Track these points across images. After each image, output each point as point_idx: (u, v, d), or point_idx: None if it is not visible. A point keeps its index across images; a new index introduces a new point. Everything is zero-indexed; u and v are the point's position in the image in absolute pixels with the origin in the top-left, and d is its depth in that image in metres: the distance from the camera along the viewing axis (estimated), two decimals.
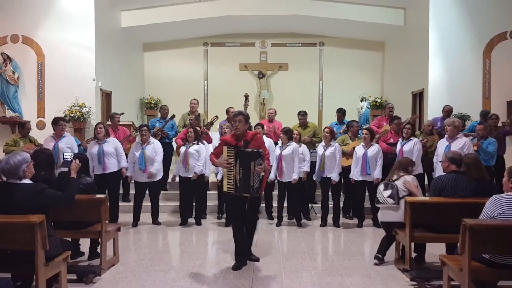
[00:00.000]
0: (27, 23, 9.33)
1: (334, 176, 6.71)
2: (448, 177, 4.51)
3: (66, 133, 6.95)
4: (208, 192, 7.89)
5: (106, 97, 10.20)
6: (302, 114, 8.03)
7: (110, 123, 7.97)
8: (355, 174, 6.77)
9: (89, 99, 9.27)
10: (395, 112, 8.44)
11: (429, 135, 7.34)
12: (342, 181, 7.22)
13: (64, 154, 4.23)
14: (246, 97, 8.46)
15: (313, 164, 7.02)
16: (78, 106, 9.11)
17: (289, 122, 8.32)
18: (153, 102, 11.73)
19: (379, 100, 11.65)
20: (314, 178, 6.95)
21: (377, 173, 6.60)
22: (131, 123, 9.23)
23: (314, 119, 11.62)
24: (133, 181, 7.11)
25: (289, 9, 10.80)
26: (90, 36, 9.35)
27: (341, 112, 8.41)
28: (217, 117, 8.17)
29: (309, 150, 7.12)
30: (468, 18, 9.32)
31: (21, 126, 7.51)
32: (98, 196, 4.69)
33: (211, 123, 8.11)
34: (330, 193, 6.89)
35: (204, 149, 6.97)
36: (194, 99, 8.55)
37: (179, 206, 7.03)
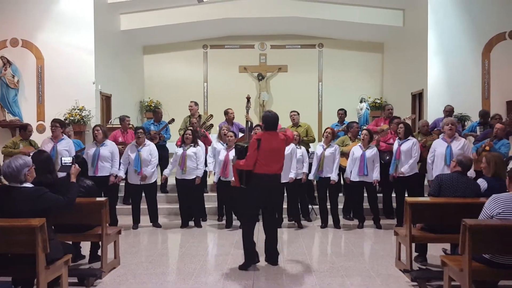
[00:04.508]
0: (26, 27, 9.34)
1: (334, 176, 6.70)
2: (449, 176, 4.58)
3: (64, 136, 6.92)
4: (207, 194, 7.90)
5: (106, 100, 10.21)
6: (296, 114, 8.08)
7: (119, 125, 8.02)
8: (352, 175, 6.73)
9: (89, 102, 9.27)
10: (395, 113, 8.44)
11: (425, 135, 7.20)
12: (342, 182, 7.26)
13: (63, 158, 4.20)
14: (248, 99, 8.43)
15: (310, 165, 7.01)
16: (78, 109, 9.12)
17: (288, 124, 8.32)
18: (153, 105, 11.73)
19: (378, 101, 11.66)
20: (311, 178, 6.85)
21: (376, 174, 6.62)
22: (131, 126, 9.23)
23: (314, 120, 11.65)
24: (122, 183, 7.15)
25: (288, 11, 10.82)
26: (89, 39, 9.36)
27: (343, 111, 8.47)
28: (211, 116, 8.17)
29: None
30: (467, 19, 9.34)
31: (23, 129, 7.51)
32: (98, 199, 4.71)
33: (212, 125, 8.11)
34: (327, 193, 6.86)
35: (202, 152, 6.96)
36: (192, 101, 8.54)
37: (179, 208, 7.03)
